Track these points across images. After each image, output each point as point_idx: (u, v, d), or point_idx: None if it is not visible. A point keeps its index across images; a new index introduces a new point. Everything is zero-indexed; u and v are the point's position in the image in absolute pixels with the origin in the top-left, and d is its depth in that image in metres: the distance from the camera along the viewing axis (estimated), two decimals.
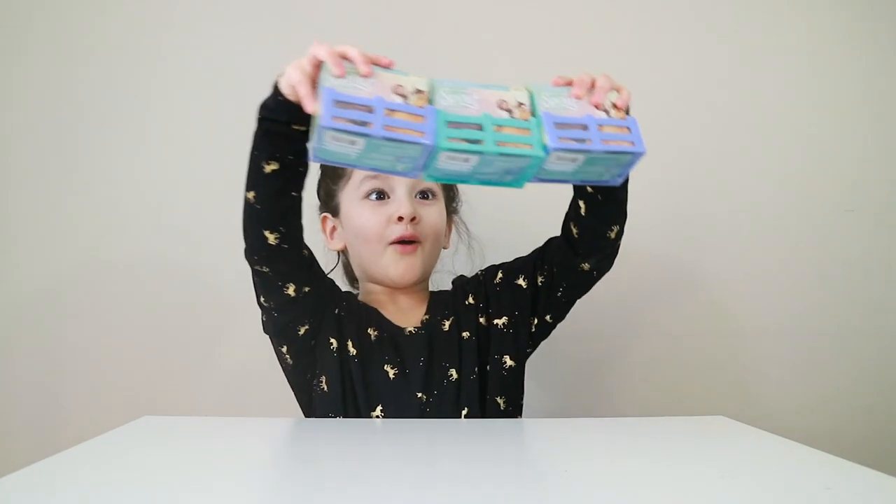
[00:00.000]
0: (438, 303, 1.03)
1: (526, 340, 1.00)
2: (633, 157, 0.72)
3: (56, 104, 1.28)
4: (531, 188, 0.72)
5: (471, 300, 1.02)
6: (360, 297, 1.05)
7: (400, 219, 0.95)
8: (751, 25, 1.33)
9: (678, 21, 1.32)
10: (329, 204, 1.04)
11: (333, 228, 1.04)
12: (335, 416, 0.92)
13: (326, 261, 1.06)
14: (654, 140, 1.31)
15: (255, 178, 0.82)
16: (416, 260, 0.99)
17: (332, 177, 1.02)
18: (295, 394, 0.98)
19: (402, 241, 0.96)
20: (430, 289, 1.07)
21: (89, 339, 1.27)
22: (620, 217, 0.92)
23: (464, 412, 0.93)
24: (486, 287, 1.04)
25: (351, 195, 0.99)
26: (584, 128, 0.71)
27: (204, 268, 1.28)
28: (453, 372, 0.95)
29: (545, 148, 0.68)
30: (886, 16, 1.34)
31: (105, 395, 1.26)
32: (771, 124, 1.33)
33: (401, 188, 0.96)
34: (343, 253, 1.09)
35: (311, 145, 0.68)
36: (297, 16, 1.29)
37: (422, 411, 0.92)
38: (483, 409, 0.95)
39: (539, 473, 0.67)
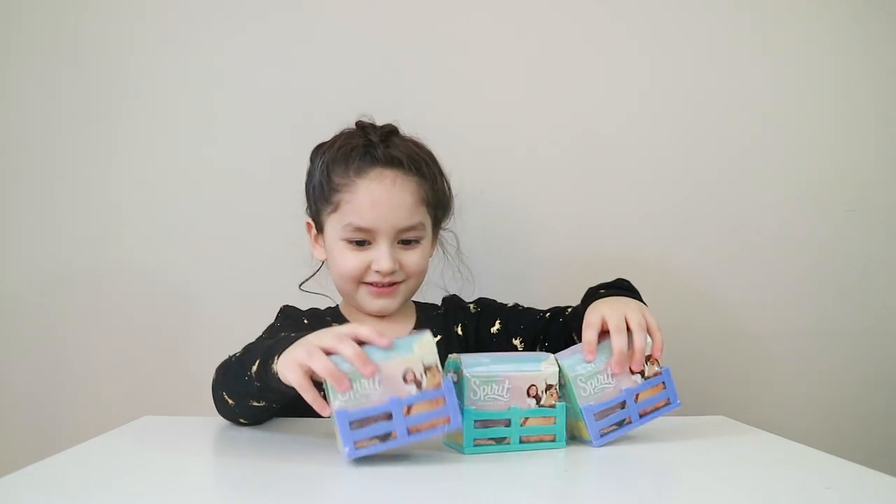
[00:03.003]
0: (428, 319, 1.02)
1: None
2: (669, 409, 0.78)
3: (52, 105, 1.28)
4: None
5: (459, 331, 1.03)
6: (342, 307, 1.04)
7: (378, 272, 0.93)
8: (752, 26, 1.33)
9: (680, 21, 1.32)
10: (314, 217, 1.01)
11: (317, 236, 1.02)
12: None
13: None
14: (655, 140, 1.33)
15: (240, 402, 0.80)
16: (395, 299, 0.97)
17: (319, 197, 0.98)
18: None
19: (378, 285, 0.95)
20: (417, 298, 1.06)
21: (89, 338, 1.26)
22: None
23: None
24: (479, 328, 1.03)
25: (334, 227, 0.95)
26: (623, 405, 0.74)
27: (204, 268, 1.27)
28: None
29: (566, 441, 0.73)
30: (887, 16, 1.34)
31: (105, 395, 1.26)
32: (771, 124, 1.32)
33: (383, 238, 0.93)
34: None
35: (342, 449, 0.64)
36: (297, 16, 1.29)
37: None
38: None
39: (539, 473, 0.67)
